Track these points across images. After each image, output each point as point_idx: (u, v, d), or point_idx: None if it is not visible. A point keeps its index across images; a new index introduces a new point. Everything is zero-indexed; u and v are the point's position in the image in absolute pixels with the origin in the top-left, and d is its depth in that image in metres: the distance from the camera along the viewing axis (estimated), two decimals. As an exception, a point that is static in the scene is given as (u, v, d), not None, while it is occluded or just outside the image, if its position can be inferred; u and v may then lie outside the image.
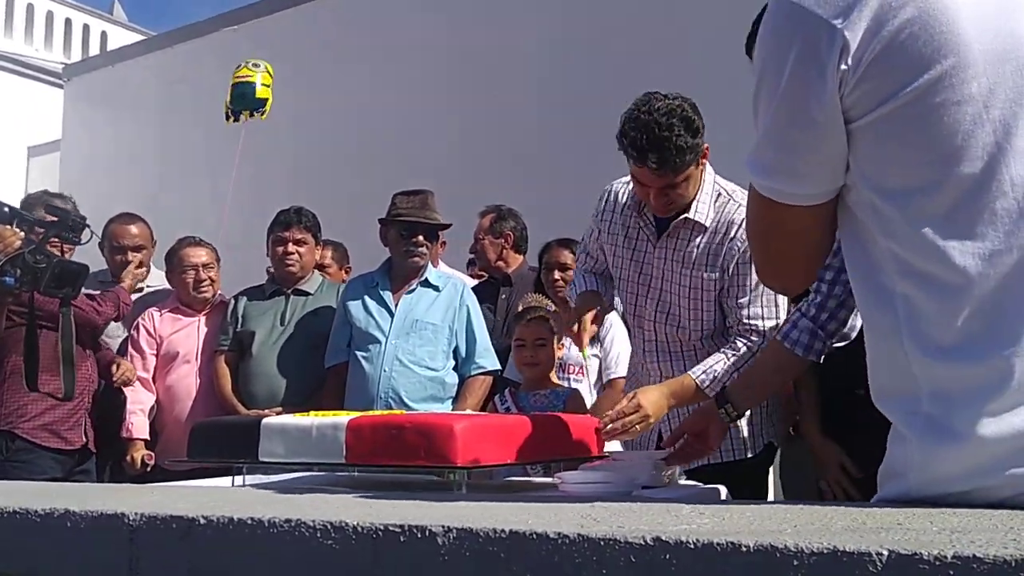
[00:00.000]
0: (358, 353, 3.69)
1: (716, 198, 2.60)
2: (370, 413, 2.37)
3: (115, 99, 10.59)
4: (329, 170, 8.11)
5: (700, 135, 2.43)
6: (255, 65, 4.66)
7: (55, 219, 2.70)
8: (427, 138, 7.56)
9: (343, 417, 2.19)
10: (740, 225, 2.54)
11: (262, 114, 4.57)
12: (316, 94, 8.68)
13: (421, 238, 3.66)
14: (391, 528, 0.98)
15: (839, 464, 2.68)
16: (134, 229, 4.39)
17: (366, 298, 3.76)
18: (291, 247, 4.01)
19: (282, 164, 8.46)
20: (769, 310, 2.56)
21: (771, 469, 2.98)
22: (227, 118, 4.72)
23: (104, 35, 16.43)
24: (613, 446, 2.55)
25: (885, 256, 1.14)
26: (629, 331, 2.76)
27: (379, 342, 3.65)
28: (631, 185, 2.66)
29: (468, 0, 7.76)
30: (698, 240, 2.59)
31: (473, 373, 3.72)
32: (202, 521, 1.10)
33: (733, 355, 2.51)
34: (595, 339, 3.79)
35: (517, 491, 2.19)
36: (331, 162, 8.29)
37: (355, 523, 1.00)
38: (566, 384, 3.49)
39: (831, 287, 2.17)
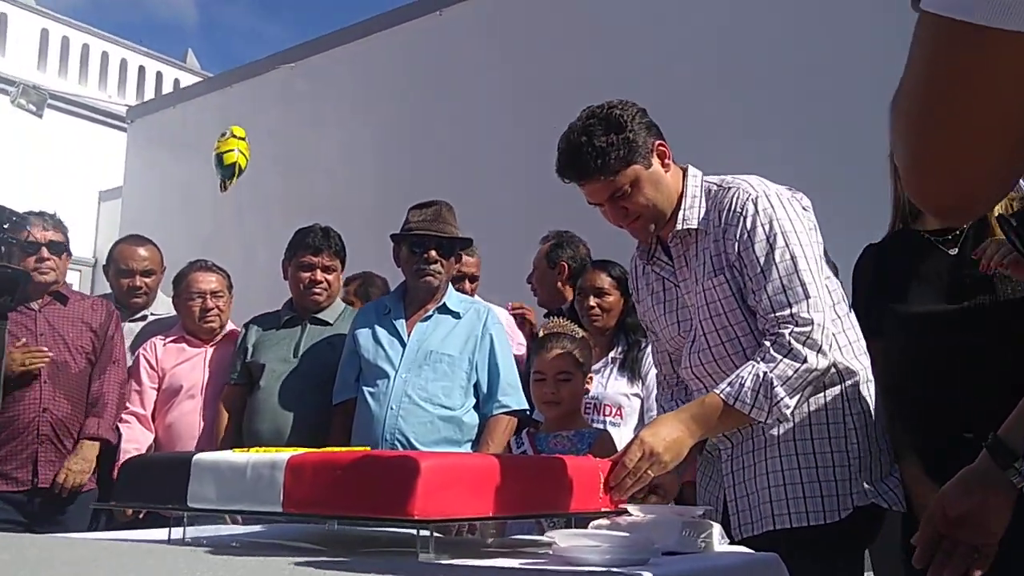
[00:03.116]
0: (365, 389, 3.24)
1: (707, 195, 2.14)
2: (335, 450, 1.91)
3: (175, 140, 10.53)
4: (375, 207, 7.79)
5: (629, 130, 2.04)
6: (222, 135, 4.80)
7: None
8: (479, 161, 7.19)
9: (283, 454, 1.75)
10: (730, 208, 2.06)
11: (231, 180, 4.61)
12: (371, 128, 8.45)
13: (434, 254, 3.20)
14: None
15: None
16: (143, 252, 4.08)
17: (377, 327, 3.32)
18: (319, 275, 3.60)
19: (327, 204, 8.19)
20: (794, 292, 1.96)
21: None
22: (220, 188, 4.84)
23: (177, 83, 16.65)
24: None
25: None
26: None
27: (388, 376, 3.20)
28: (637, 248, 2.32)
29: (522, 30, 7.42)
30: (694, 250, 2.14)
31: (495, 412, 3.23)
32: None
33: (761, 359, 1.96)
34: (635, 374, 3.30)
35: (497, 554, 1.70)
36: (383, 197, 7.98)
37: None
38: (601, 427, 2.99)
39: None
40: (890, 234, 2.28)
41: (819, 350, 1.95)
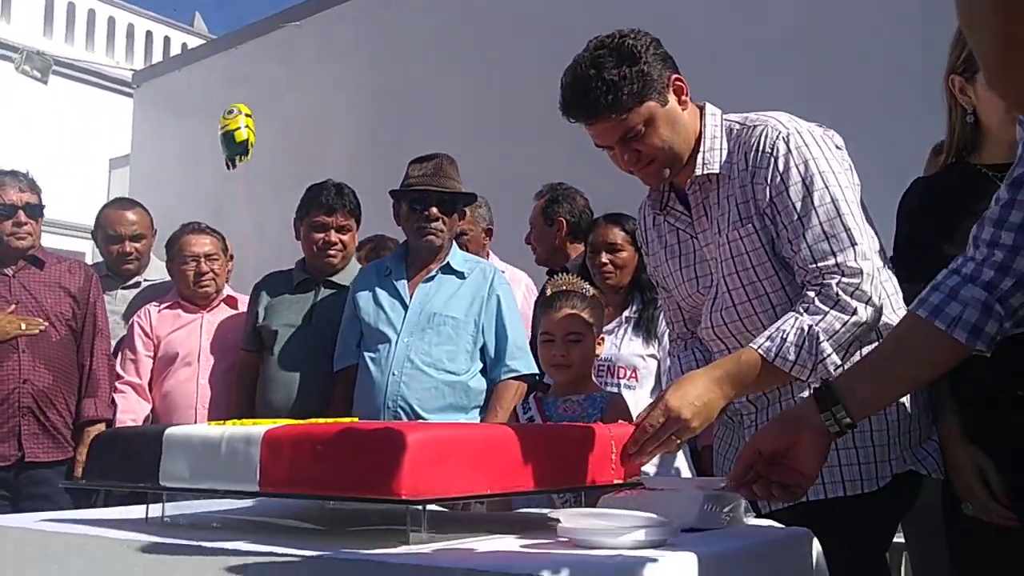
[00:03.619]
0: (366, 354, 3.07)
1: (729, 135, 1.93)
2: (316, 422, 1.74)
3: (181, 103, 10.34)
4: (383, 168, 7.60)
5: (643, 62, 1.82)
6: (229, 112, 4.83)
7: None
8: (489, 116, 6.97)
9: (260, 427, 1.58)
10: (757, 148, 1.85)
11: (246, 155, 4.58)
12: (379, 85, 8.23)
13: (435, 210, 3.01)
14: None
15: (977, 470, 1.79)
16: (132, 216, 3.91)
17: (377, 289, 3.14)
18: (333, 236, 3.38)
19: (335, 165, 8.00)
20: (838, 239, 1.77)
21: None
22: (227, 166, 4.80)
23: (184, 47, 16.41)
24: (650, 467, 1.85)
25: None
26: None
27: (389, 340, 3.03)
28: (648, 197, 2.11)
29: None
30: (716, 197, 1.92)
31: (503, 377, 3.06)
32: None
33: (805, 310, 1.75)
34: (651, 334, 3.12)
35: (498, 532, 1.53)
36: (393, 156, 7.78)
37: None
38: (615, 391, 2.81)
39: (1020, 234, 1.39)
40: (943, 167, 2.05)
41: (868, 301, 1.76)
